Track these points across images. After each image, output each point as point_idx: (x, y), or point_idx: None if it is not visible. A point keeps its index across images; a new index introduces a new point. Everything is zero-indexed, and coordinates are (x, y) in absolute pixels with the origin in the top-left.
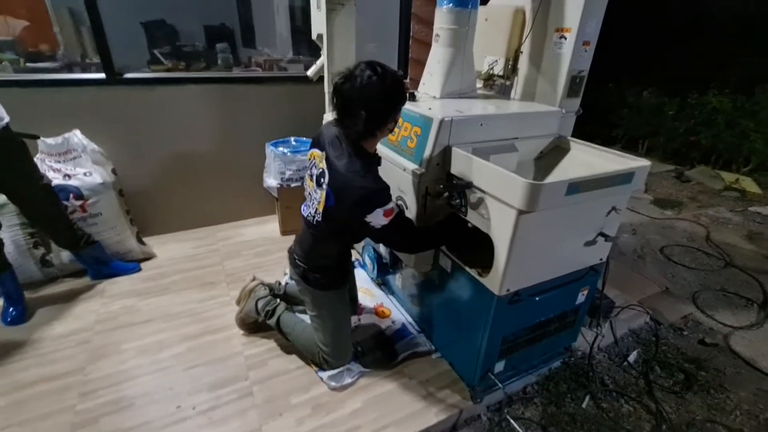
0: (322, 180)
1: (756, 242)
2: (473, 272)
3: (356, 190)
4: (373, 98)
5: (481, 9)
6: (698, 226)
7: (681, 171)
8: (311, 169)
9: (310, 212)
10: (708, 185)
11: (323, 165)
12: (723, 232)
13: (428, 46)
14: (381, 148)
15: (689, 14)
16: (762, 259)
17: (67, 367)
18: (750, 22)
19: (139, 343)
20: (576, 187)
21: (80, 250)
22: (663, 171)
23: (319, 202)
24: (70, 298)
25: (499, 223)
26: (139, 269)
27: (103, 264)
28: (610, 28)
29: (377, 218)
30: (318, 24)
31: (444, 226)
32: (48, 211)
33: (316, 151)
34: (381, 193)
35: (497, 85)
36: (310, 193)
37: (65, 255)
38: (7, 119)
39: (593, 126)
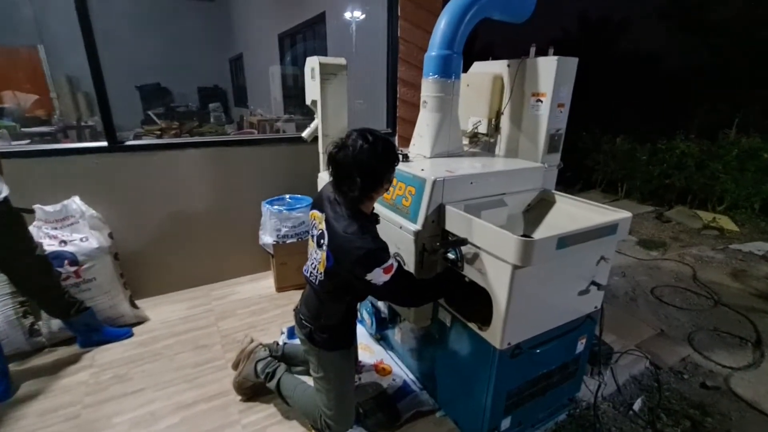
0: (322, 241)
1: (741, 279)
2: (473, 326)
3: (355, 250)
4: (367, 164)
5: (463, 76)
6: (684, 265)
7: (660, 212)
8: (312, 229)
9: (312, 272)
10: (687, 225)
11: (323, 226)
12: (708, 270)
13: (414, 106)
14: (377, 207)
15: (652, 68)
16: (749, 297)
17: None
18: (707, 75)
19: (131, 416)
20: (565, 241)
21: (71, 318)
22: (643, 212)
23: (320, 263)
24: (58, 368)
25: (495, 277)
26: (131, 334)
27: (94, 331)
28: (580, 79)
29: (378, 276)
30: (312, 91)
31: (444, 278)
32: (40, 282)
33: (316, 212)
34: (379, 252)
35: (482, 142)
36: (311, 254)
37: (55, 323)
38: (5, 192)
39: (573, 171)
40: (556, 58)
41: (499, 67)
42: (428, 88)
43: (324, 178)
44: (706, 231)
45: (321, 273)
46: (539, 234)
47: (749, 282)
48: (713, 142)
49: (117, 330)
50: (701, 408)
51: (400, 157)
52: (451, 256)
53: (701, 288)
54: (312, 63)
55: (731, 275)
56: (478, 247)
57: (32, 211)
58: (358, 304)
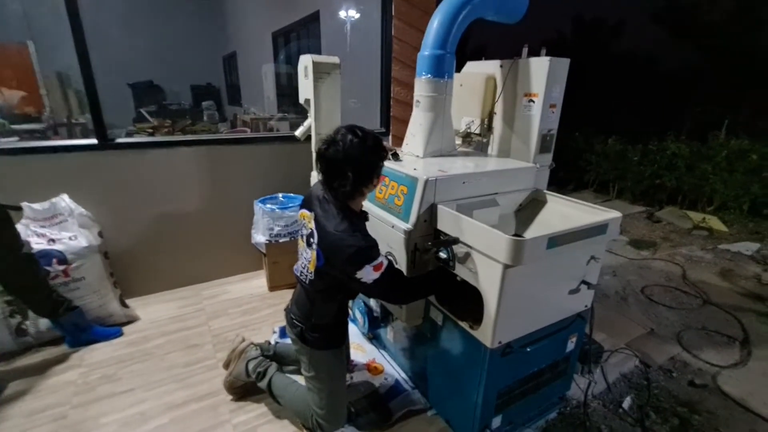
0: (311, 240)
1: (729, 279)
2: (465, 325)
3: (345, 248)
4: (359, 157)
5: (456, 76)
6: (673, 265)
7: (651, 212)
8: (302, 229)
9: (302, 271)
10: (678, 225)
11: (312, 225)
12: (697, 270)
13: (407, 105)
14: (369, 206)
15: (644, 69)
16: (737, 296)
17: None
18: (697, 76)
19: (119, 416)
20: (555, 240)
21: (59, 317)
22: (634, 212)
23: (309, 262)
24: (45, 368)
25: (486, 276)
26: (121, 334)
27: (82, 330)
28: (572, 80)
29: (368, 274)
30: (305, 90)
31: (435, 276)
32: (27, 281)
33: (305, 212)
34: (369, 250)
35: (475, 142)
36: (301, 253)
37: (43, 322)
38: None
39: (566, 172)
40: (548, 59)
41: (491, 67)
42: (421, 87)
43: (316, 177)
44: (695, 231)
45: (311, 272)
46: (530, 233)
47: (737, 281)
48: (703, 144)
49: (106, 329)
50: (689, 406)
51: (389, 154)
52: (442, 255)
53: (690, 287)
54: (305, 61)
55: (720, 275)
56: (470, 247)
57: (20, 209)
58: (350, 302)
